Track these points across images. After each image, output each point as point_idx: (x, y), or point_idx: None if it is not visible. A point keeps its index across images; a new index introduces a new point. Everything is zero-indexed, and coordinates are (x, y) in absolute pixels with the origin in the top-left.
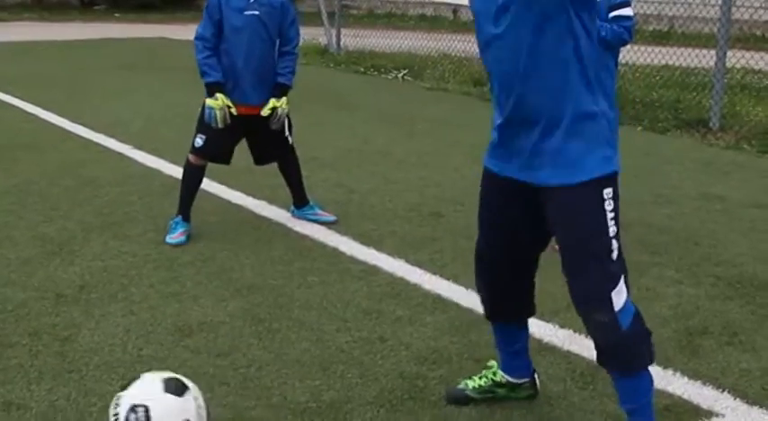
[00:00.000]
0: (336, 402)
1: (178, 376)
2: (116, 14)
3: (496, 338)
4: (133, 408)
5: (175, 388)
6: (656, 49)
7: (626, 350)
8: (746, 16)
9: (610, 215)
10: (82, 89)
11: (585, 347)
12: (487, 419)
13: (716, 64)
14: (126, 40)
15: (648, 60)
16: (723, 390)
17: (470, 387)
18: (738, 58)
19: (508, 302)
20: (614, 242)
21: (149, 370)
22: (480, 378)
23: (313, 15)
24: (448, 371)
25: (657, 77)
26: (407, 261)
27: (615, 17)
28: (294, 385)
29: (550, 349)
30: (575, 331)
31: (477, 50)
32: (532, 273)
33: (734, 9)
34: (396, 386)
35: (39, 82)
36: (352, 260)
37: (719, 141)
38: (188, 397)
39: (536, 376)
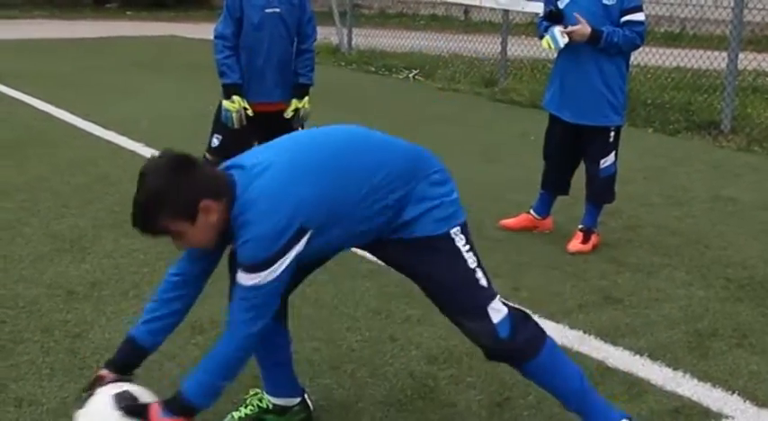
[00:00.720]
0: (347, 401)
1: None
2: (128, 12)
3: (257, 355)
4: None
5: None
6: (668, 51)
7: (507, 351)
8: (758, 18)
9: (465, 248)
10: (94, 87)
11: (595, 348)
12: (497, 419)
13: (727, 66)
14: (138, 38)
15: (660, 62)
16: (733, 392)
17: (236, 418)
18: (750, 61)
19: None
20: (477, 272)
21: (160, 368)
22: (246, 406)
23: (324, 15)
24: (458, 370)
25: (669, 79)
26: None
27: (627, 22)
28: (305, 384)
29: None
30: (585, 332)
31: (488, 51)
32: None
33: (746, 11)
34: (406, 385)
35: (50, 79)
36: (363, 259)
37: (731, 143)
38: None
39: (306, 397)
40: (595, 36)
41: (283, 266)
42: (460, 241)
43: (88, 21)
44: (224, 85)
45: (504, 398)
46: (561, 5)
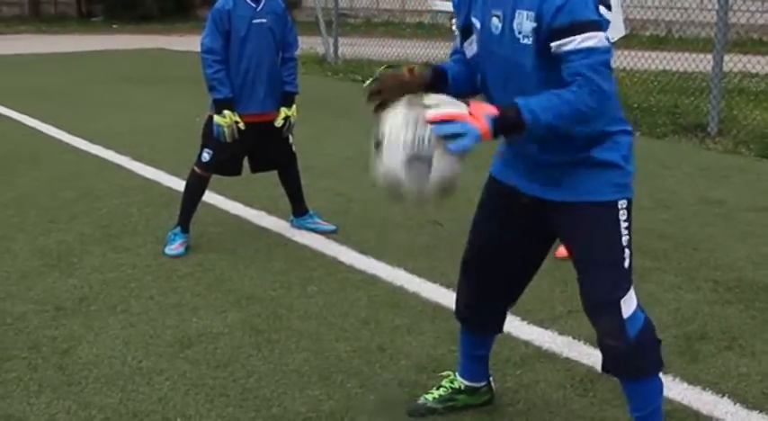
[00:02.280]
0: (336, 412)
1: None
2: (114, 26)
3: (462, 341)
4: None
5: None
6: (654, 55)
7: (632, 358)
8: (743, 20)
9: (624, 224)
10: (80, 101)
11: (585, 354)
12: None
13: (713, 68)
14: (124, 52)
15: (646, 65)
16: (723, 395)
17: (430, 399)
18: (735, 62)
19: (482, 314)
20: (626, 251)
21: (149, 382)
22: (438, 388)
23: (310, 25)
24: None
25: (655, 82)
26: (406, 269)
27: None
28: (294, 395)
29: (550, 356)
30: (574, 338)
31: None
32: (516, 293)
33: (731, 13)
34: (395, 395)
35: (37, 94)
36: (351, 269)
37: (717, 145)
38: None
39: (491, 380)
40: None
41: None
42: None
43: (74, 35)
44: (215, 101)
45: (494, 406)
46: None
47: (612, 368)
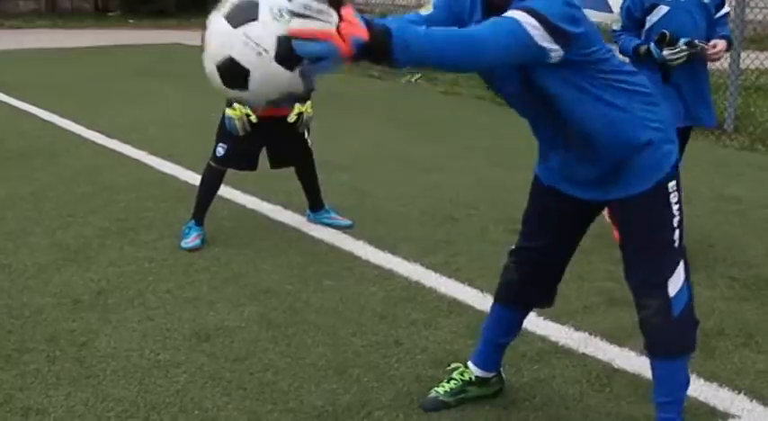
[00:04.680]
0: (353, 406)
1: None
2: (130, 21)
3: (491, 326)
4: None
5: None
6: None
7: (673, 334)
8: (760, 17)
9: (675, 207)
10: (97, 96)
11: (601, 350)
12: None
13: (730, 65)
14: (141, 47)
15: None
16: (739, 392)
17: (441, 392)
18: (753, 59)
19: (538, 287)
20: (677, 231)
21: (166, 375)
22: (449, 381)
23: None
24: None
25: None
26: (423, 264)
27: (721, 17)
28: (310, 389)
29: (566, 351)
30: (590, 334)
31: None
32: (566, 264)
33: (747, 10)
34: (412, 389)
35: (54, 89)
36: (368, 264)
37: (734, 142)
38: None
39: (501, 372)
40: (729, 45)
41: None
42: None
43: (91, 30)
44: None
45: (509, 401)
46: (656, 18)
47: (652, 345)
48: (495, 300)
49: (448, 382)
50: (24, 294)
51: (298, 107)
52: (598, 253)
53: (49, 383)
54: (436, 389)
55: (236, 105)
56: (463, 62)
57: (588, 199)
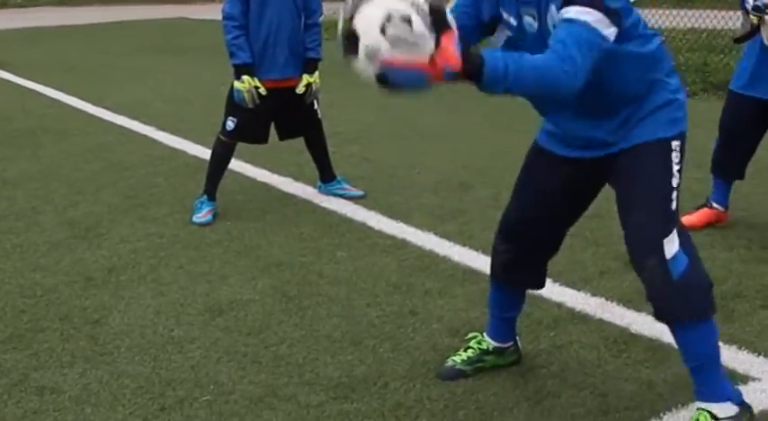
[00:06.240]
0: (369, 377)
1: None
2: None
3: (494, 302)
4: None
5: None
6: (682, 12)
7: (676, 300)
8: None
9: (675, 167)
10: (104, 72)
11: (618, 315)
12: (521, 389)
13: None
14: (146, 22)
15: (674, 24)
16: (759, 354)
17: (458, 361)
18: None
19: (524, 271)
20: (674, 193)
21: (181, 350)
22: (466, 350)
23: None
24: None
25: (683, 41)
26: (436, 233)
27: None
28: (326, 361)
29: (583, 317)
30: (607, 299)
31: None
32: (556, 247)
33: None
34: (428, 359)
35: (60, 67)
36: (381, 234)
37: None
38: None
39: (518, 341)
40: None
41: None
42: None
43: (95, 6)
44: (234, 66)
45: (527, 368)
46: None
47: (657, 311)
48: (491, 276)
49: (465, 351)
50: (36, 273)
51: (306, 77)
52: (614, 217)
53: (64, 362)
54: (453, 358)
55: (244, 78)
56: (559, 91)
57: (592, 157)
